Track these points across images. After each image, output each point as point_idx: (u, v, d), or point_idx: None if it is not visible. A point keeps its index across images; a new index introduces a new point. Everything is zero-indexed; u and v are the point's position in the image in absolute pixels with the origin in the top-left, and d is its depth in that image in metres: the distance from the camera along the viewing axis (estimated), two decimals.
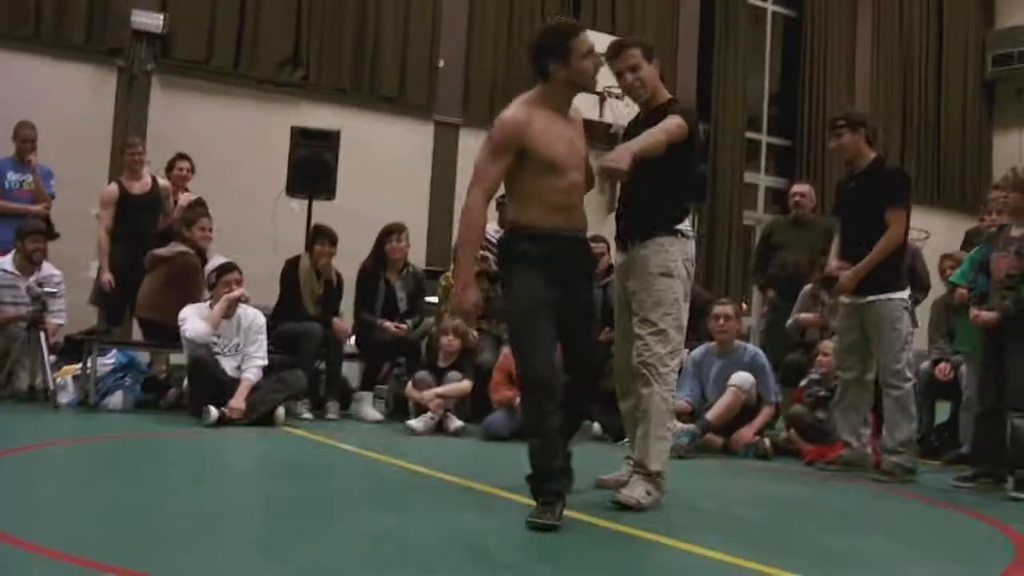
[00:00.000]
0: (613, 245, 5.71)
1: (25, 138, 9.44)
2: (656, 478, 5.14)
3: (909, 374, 6.88)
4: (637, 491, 5.06)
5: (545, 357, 4.60)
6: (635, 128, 5.43)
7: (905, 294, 6.94)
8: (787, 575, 3.74)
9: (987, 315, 6.58)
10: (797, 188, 10.28)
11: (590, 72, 4.92)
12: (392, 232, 9.30)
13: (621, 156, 4.74)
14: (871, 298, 6.84)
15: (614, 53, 5.49)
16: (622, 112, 14.44)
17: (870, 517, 5.59)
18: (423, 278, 9.75)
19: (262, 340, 8.07)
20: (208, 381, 7.67)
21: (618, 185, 5.77)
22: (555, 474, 4.60)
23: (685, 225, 5.36)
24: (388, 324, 9.06)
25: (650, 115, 5.36)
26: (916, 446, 7.02)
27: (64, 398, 8.03)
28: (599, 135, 14.86)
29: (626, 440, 5.88)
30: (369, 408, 8.83)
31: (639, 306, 5.25)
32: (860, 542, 4.71)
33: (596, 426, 8.28)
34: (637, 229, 5.35)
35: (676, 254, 5.26)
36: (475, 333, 8.72)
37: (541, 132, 4.76)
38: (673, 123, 5.08)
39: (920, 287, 8.55)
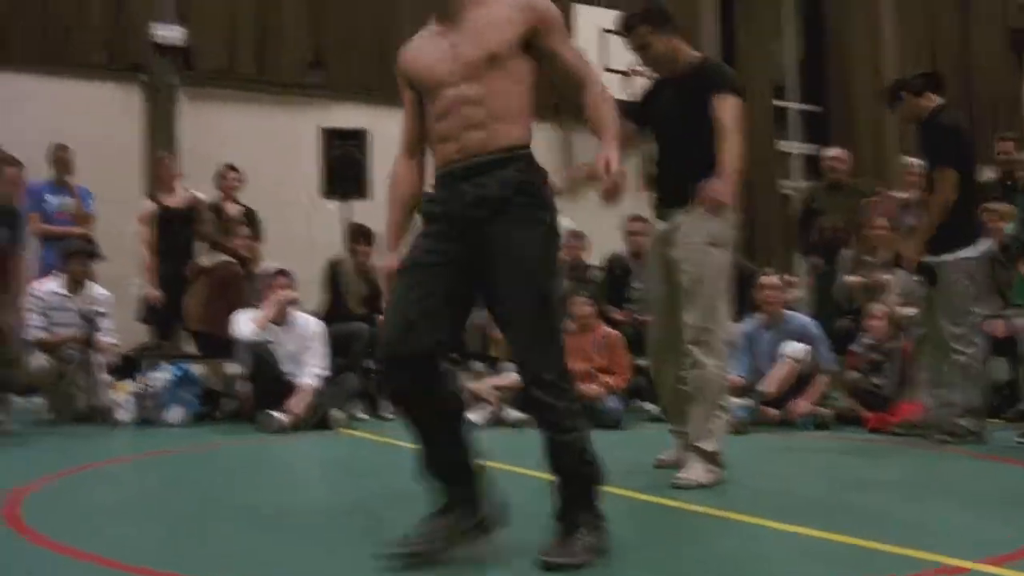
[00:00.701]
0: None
1: (61, 160, 9.51)
2: (711, 459, 5.06)
3: (975, 338, 6.66)
4: (696, 472, 5.00)
5: (388, 328, 3.51)
6: (666, 89, 5.37)
7: (968, 252, 6.64)
8: (862, 542, 3.70)
9: None
10: (830, 153, 10.24)
11: None
12: None
13: (724, 190, 4.80)
14: (930, 259, 6.70)
15: (623, 31, 5.37)
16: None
17: (937, 481, 5.53)
18: None
19: (318, 347, 8.06)
20: (270, 380, 7.66)
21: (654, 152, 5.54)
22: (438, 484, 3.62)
23: None
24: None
25: (681, 77, 5.28)
26: (983, 412, 6.78)
27: (122, 415, 8.05)
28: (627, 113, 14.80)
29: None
30: None
31: (686, 277, 5.09)
32: (930, 507, 4.66)
33: (652, 407, 8.24)
34: (680, 196, 5.13)
35: (722, 222, 5.08)
36: None
37: (414, 54, 3.69)
38: (731, 115, 5.03)
39: None
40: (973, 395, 6.63)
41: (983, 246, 6.74)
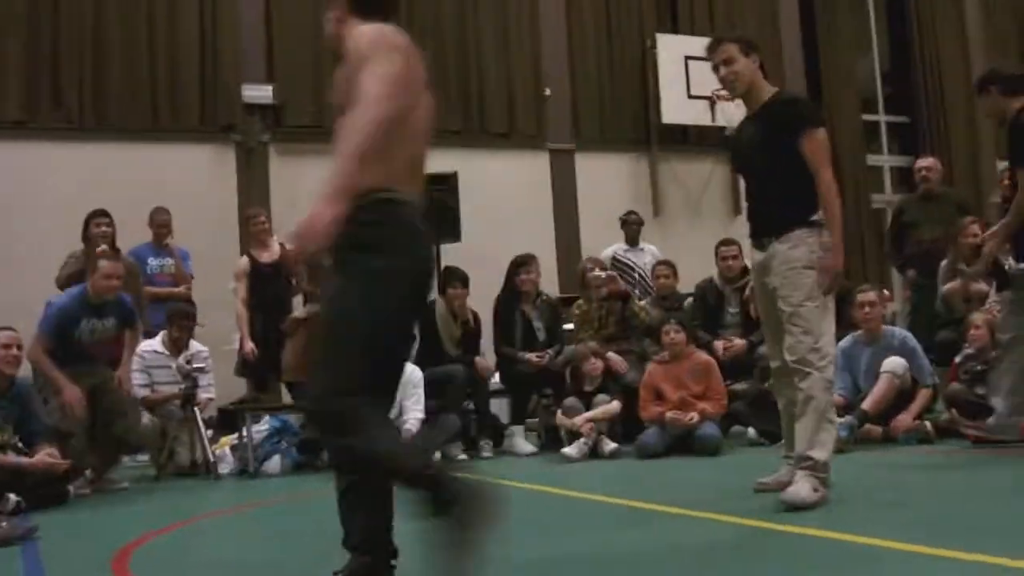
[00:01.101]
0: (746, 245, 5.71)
1: (161, 223, 9.75)
2: (822, 469, 5.09)
3: None
4: (804, 489, 4.98)
5: None
6: (748, 127, 5.57)
7: None
8: (980, 557, 3.62)
9: None
10: (922, 163, 10.09)
11: None
12: (521, 264, 9.34)
13: (836, 262, 5.14)
14: (1013, 264, 6.55)
15: (711, 48, 5.60)
16: (733, 115, 14.31)
17: None
18: (558, 306, 9.76)
19: (419, 394, 8.12)
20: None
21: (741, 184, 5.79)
22: None
23: (819, 215, 5.29)
24: (530, 356, 9.07)
25: (760, 111, 5.47)
26: None
27: (224, 468, 8.21)
28: (711, 138, 14.78)
29: (781, 441, 5.79)
30: (522, 441, 8.86)
31: (784, 302, 5.21)
32: None
33: (751, 431, 8.17)
34: (773, 225, 5.33)
35: (815, 245, 5.21)
36: (615, 355, 8.70)
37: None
38: (822, 154, 5.25)
39: None
40: None
41: None
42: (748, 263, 9.18)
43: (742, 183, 11.85)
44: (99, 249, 8.14)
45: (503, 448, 8.91)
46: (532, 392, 9.49)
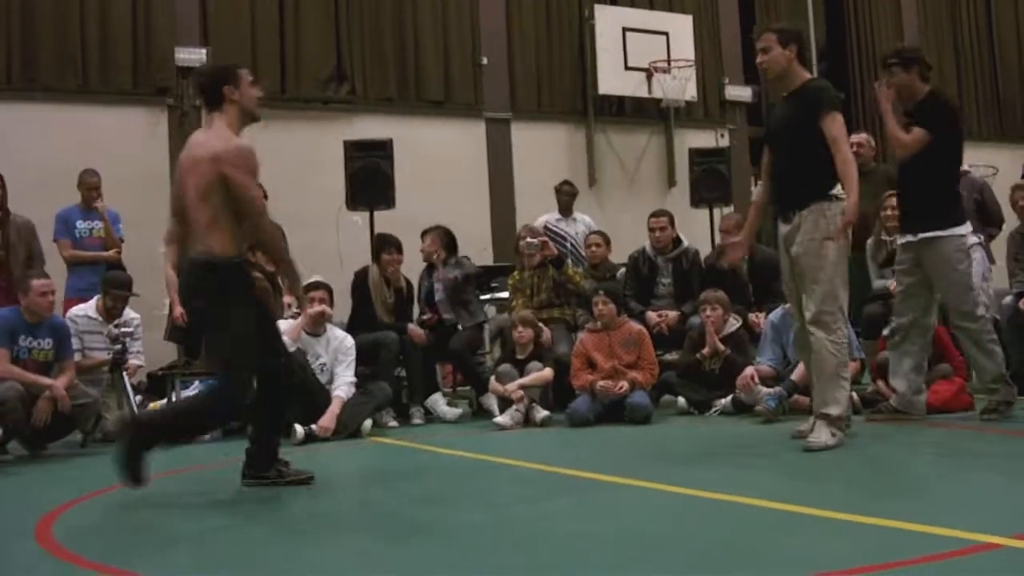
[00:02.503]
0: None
1: (90, 185, 9.57)
2: (837, 422, 5.82)
3: (980, 311, 6.75)
4: (823, 436, 5.74)
5: None
6: (780, 108, 6.36)
7: (964, 229, 6.75)
8: (891, 523, 3.70)
9: None
10: (854, 138, 10.10)
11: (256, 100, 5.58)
12: (421, 235, 9.29)
13: (842, 229, 5.85)
14: (927, 235, 6.71)
15: (757, 35, 6.31)
16: (670, 87, 14.38)
17: (973, 457, 5.57)
18: (470, 268, 9.57)
19: (351, 360, 8.09)
20: (300, 387, 7.57)
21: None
22: None
23: (837, 188, 5.99)
24: (413, 327, 8.98)
25: (792, 95, 6.19)
26: (1008, 380, 6.84)
27: None
28: (648, 110, 14.84)
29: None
30: (444, 407, 8.84)
31: (807, 269, 5.94)
32: (967, 484, 4.69)
33: (681, 401, 8.23)
34: (797, 198, 6.05)
35: (834, 218, 5.91)
36: (542, 326, 8.69)
37: None
38: (839, 131, 5.95)
39: (993, 222, 8.40)
40: (993, 365, 6.75)
41: (967, 227, 6.85)
42: (681, 235, 9.35)
43: (678, 155, 12.08)
44: (30, 274, 7.92)
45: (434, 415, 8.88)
46: (443, 361, 9.53)
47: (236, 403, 5.38)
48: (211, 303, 5.25)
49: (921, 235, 6.72)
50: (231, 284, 5.24)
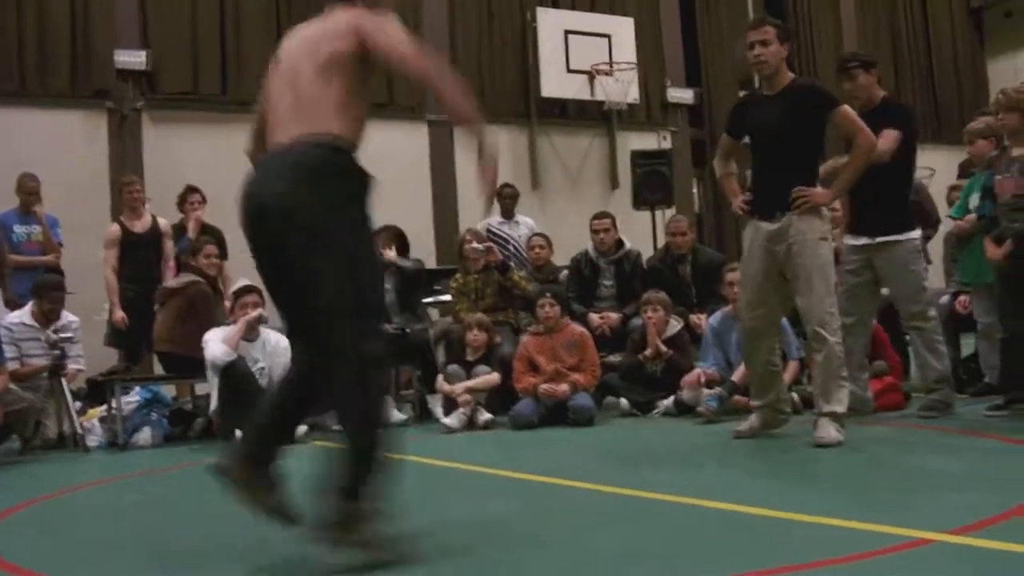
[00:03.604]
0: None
1: (28, 190, 9.45)
2: (841, 419, 5.85)
3: (932, 312, 6.91)
4: (831, 431, 5.77)
5: None
6: (766, 106, 6.12)
7: (917, 232, 6.93)
8: (828, 520, 3.74)
9: (999, 251, 6.54)
10: None
11: None
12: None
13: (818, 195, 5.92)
14: (885, 239, 6.81)
15: (752, 25, 6.17)
16: (613, 89, 14.44)
17: (920, 454, 5.65)
18: (411, 275, 9.62)
19: (287, 362, 8.01)
20: (244, 393, 7.46)
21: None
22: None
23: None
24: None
25: (782, 94, 6.07)
26: (951, 382, 7.03)
27: (93, 441, 8.05)
28: (591, 112, 14.90)
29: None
30: (392, 411, 8.81)
31: (801, 271, 5.89)
32: (915, 480, 4.75)
33: (624, 402, 8.26)
34: (784, 198, 5.96)
35: (827, 219, 6.02)
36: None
37: None
38: (859, 120, 6.04)
39: (929, 223, 8.51)
40: (941, 366, 6.88)
41: (919, 231, 7.03)
42: (623, 237, 9.37)
43: (620, 157, 12.07)
44: None
45: None
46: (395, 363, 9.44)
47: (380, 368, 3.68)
48: (328, 204, 3.63)
49: (879, 239, 6.82)
50: (357, 187, 3.83)
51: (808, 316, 5.94)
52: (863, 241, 6.93)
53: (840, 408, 5.88)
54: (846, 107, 6.07)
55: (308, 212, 3.56)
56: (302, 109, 3.73)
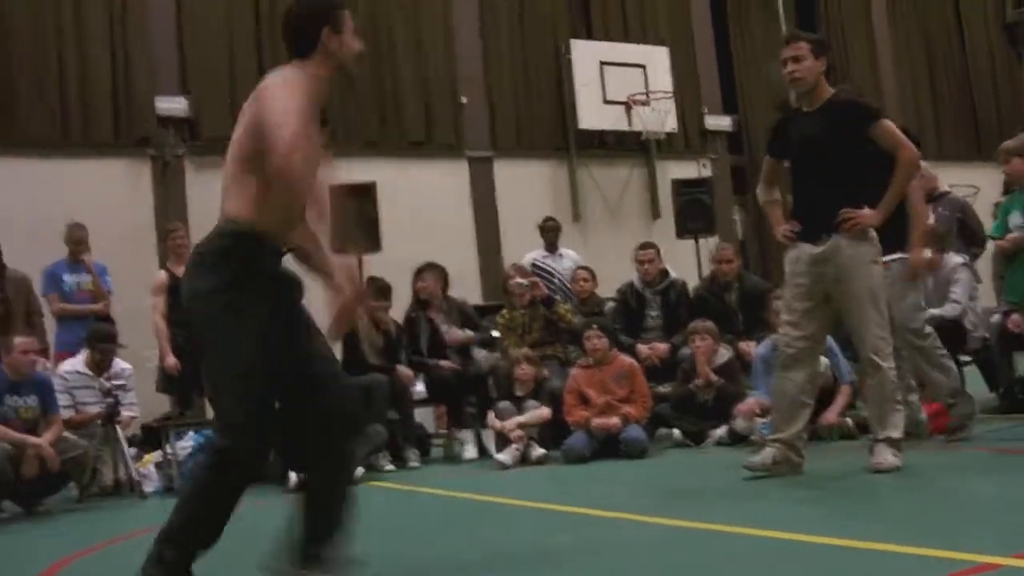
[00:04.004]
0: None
1: (76, 239, 9.54)
2: (897, 444, 5.74)
3: (928, 329, 6.87)
4: (888, 457, 5.66)
5: None
6: (807, 122, 5.95)
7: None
8: (883, 547, 3.70)
9: None
10: None
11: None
12: (416, 272, 9.32)
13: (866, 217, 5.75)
14: (891, 258, 6.68)
15: (785, 42, 6.01)
16: (650, 119, 14.46)
17: (979, 476, 5.61)
18: (468, 309, 9.71)
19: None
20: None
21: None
22: None
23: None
24: (443, 363, 9.05)
25: (822, 109, 5.90)
26: (965, 393, 7.07)
27: (149, 487, 8.09)
28: (629, 143, 14.91)
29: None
30: (471, 447, 8.83)
31: (852, 294, 5.74)
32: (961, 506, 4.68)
33: (676, 432, 8.22)
34: (830, 219, 5.76)
35: (875, 241, 5.83)
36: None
37: None
38: (900, 134, 5.87)
39: (976, 242, 8.44)
40: (948, 380, 6.89)
41: None
42: (667, 266, 9.34)
43: (660, 187, 12.00)
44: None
45: (432, 457, 8.85)
46: (458, 397, 9.45)
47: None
48: (206, 294, 3.71)
49: (886, 258, 6.72)
50: (240, 271, 3.71)
51: (861, 343, 5.81)
52: None
53: (896, 433, 5.76)
54: (887, 121, 5.93)
55: (192, 301, 3.73)
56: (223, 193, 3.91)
